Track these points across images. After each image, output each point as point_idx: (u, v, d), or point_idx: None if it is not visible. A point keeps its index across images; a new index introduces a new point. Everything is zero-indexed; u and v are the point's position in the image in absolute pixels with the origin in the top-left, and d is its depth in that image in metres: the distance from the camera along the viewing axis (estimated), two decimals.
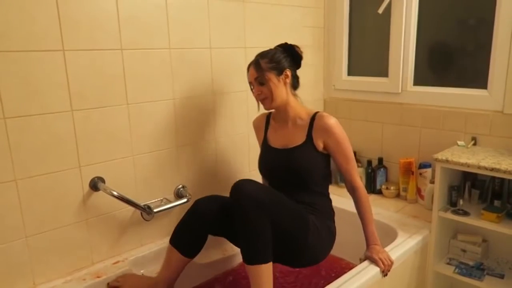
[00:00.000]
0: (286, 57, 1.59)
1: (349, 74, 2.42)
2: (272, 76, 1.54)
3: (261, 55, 1.58)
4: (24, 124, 1.35)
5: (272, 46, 2.15)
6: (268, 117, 1.74)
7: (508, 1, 1.73)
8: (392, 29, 2.13)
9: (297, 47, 1.62)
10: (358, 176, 1.60)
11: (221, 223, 1.54)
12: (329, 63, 2.46)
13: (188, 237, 1.53)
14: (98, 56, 1.49)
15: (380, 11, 2.09)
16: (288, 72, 1.57)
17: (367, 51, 2.38)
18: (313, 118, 1.58)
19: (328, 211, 1.62)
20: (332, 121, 1.56)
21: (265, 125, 1.74)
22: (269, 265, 1.34)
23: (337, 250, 2.04)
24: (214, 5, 1.82)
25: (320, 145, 1.56)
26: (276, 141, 1.65)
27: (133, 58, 1.59)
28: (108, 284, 1.52)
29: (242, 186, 1.37)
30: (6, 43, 1.28)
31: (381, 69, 2.23)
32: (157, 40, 1.65)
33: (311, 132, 1.57)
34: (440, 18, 2.08)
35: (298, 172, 1.56)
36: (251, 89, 1.61)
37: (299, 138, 1.58)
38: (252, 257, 1.33)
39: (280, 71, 1.56)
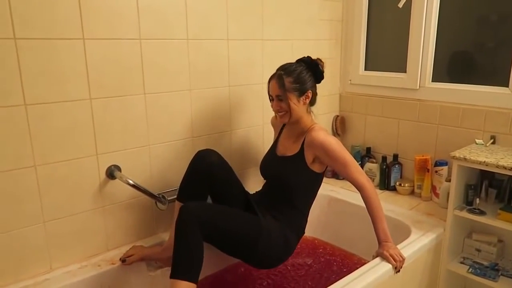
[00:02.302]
0: (310, 76, 1.60)
1: (366, 69, 2.39)
2: (293, 97, 1.56)
3: (286, 72, 1.57)
4: (44, 111, 1.37)
5: (289, 39, 2.14)
6: None
7: None
8: (412, 24, 2.10)
9: (321, 63, 1.62)
10: (361, 175, 1.58)
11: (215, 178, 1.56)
12: (346, 58, 2.44)
13: (193, 186, 1.55)
14: (117, 46, 1.50)
15: (400, 5, 2.06)
16: (310, 94, 1.60)
17: (385, 46, 2.35)
18: (306, 131, 1.61)
19: (295, 225, 1.63)
20: (317, 134, 1.56)
21: (281, 128, 1.79)
22: (191, 286, 1.30)
23: (349, 246, 2.05)
24: None
25: (310, 159, 1.59)
26: (280, 148, 1.72)
27: (151, 48, 1.60)
28: (120, 259, 1.56)
29: (188, 204, 1.39)
30: (28, 30, 1.30)
31: (399, 65, 2.20)
32: (175, 30, 1.66)
33: (303, 145, 1.60)
34: (462, 13, 2.03)
35: (280, 180, 1.63)
36: (270, 100, 1.63)
37: (294, 149, 1.63)
38: (176, 271, 1.31)
39: (302, 93, 1.57)
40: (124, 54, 1.53)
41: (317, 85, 1.65)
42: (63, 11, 1.35)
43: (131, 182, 1.56)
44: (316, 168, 1.61)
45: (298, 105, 1.58)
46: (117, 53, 1.51)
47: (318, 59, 1.63)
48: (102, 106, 1.51)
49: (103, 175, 1.56)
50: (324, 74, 1.64)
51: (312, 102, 1.65)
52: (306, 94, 1.58)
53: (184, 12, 1.67)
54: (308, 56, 1.63)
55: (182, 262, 1.32)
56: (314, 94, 1.64)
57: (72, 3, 1.37)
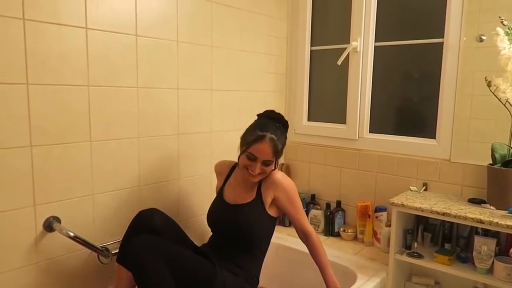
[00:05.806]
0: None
1: (309, 119, 2.52)
2: (275, 163, 1.58)
3: (277, 137, 1.54)
4: None
5: (237, 90, 2.21)
6: (232, 168, 1.75)
7: (453, 58, 1.91)
8: (350, 79, 2.28)
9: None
10: (308, 223, 1.65)
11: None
12: (290, 108, 2.56)
13: None
14: (63, 92, 1.46)
15: (339, 62, 2.23)
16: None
17: (327, 98, 2.51)
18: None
19: (252, 275, 1.61)
20: (279, 174, 1.62)
21: (227, 174, 1.75)
22: None
23: None
24: (183, 48, 1.87)
25: (268, 201, 1.60)
26: (230, 196, 1.67)
27: (100, 95, 1.57)
28: None
29: (139, 238, 1.36)
30: None
31: (339, 116, 2.35)
32: (125, 78, 1.65)
33: (260, 189, 1.61)
34: (391, 71, 2.25)
35: (240, 229, 1.58)
36: (249, 159, 1.52)
37: (249, 196, 1.62)
38: None
39: (280, 157, 1.60)
40: (70, 101, 1.49)
41: None
42: (6, 55, 1.31)
43: (71, 234, 1.46)
44: (272, 212, 1.62)
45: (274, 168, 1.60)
46: (63, 99, 1.46)
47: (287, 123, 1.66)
48: (44, 153, 1.43)
49: (40, 227, 1.45)
50: None
51: None
52: (280, 158, 1.61)
53: (135, 60, 1.68)
54: (281, 116, 1.64)
55: None
56: None
57: (17, 48, 1.33)
